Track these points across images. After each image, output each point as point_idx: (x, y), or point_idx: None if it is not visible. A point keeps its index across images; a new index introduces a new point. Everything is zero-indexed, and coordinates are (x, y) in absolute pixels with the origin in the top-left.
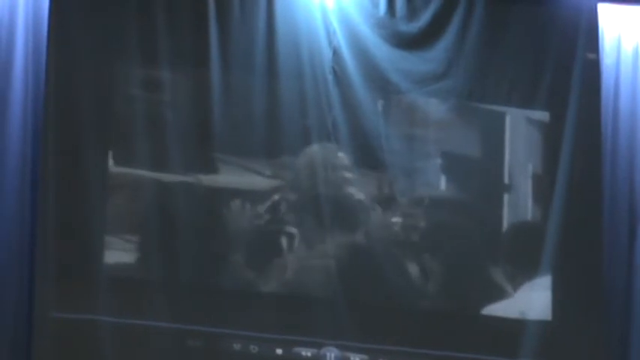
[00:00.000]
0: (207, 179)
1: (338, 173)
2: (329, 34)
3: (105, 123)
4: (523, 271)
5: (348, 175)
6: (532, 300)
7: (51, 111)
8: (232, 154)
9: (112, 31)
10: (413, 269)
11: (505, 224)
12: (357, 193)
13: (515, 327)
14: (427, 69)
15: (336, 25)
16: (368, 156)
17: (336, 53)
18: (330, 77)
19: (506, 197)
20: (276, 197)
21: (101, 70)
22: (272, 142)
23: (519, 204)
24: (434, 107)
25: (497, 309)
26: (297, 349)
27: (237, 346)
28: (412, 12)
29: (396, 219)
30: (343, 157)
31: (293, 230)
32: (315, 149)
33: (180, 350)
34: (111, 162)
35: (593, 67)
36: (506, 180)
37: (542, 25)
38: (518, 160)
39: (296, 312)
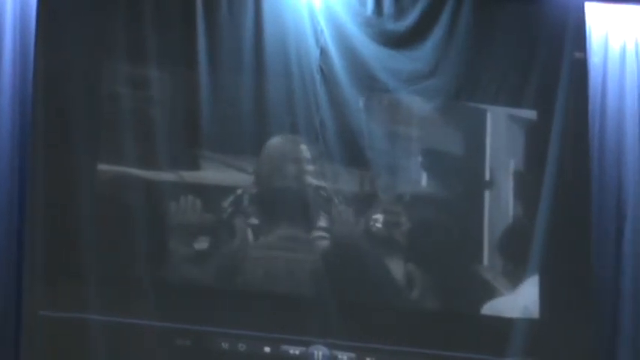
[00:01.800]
0: (194, 177)
1: (324, 170)
2: (316, 33)
3: (93, 121)
4: (511, 269)
5: (335, 172)
6: (520, 298)
7: (39, 109)
8: (220, 152)
9: (100, 29)
10: (399, 267)
11: (494, 223)
12: (345, 191)
13: (503, 325)
14: (415, 68)
15: (323, 24)
16: (356, 154)
17: (323, 52)
18: (317, 76)
19: (494, 196)
20: (262, 199)
21: (89, 69)
22: (260, 141)
23: (507, 203)
24: (421, 106)
25: (485, 307)
26: (285, 347)
27: (225, 345)
28: (400, 11)
29: (386, 217)
30: (333, 155)
31: (279, 229)
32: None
33: (168, 349)
34: (99, 160)
35: (581, 66)
36: (493, 178)
37: (529, 24)
38: (506, 158)
39: (284, 310)
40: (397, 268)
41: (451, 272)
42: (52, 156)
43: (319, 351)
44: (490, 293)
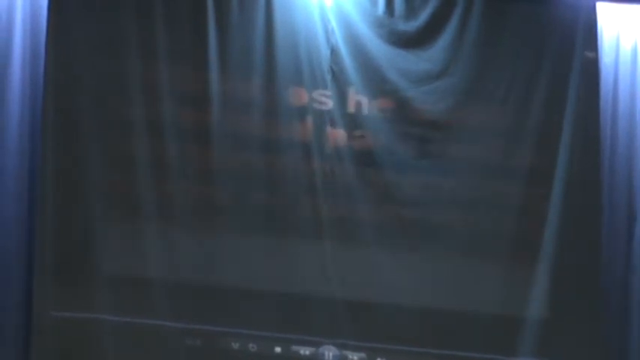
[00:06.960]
0: (204, 179)
1: (335, 171)
2: (327, 32)
3: (102, 121)
4: (521, 269)
5: (346, 173)
6: (530, 298)
7: (49, 110)
8: (230, 152)
9: (111, 30)
10: (409, 267)
11: (504, 223)
12: (356, 191)
13: (513, 325)
14: (425, 68)
15: (334, 23)
16: (366, 155)
17: (334, 52)
18: (328, 76)
19: (505, 196)
20: (272, 197)
21: (99, 70)
22: (269, 141)
23: (518, 203)
24: (432, 106)
25: (496, 307)
26: (295, 348)
27: (235, 345)
28: (410, 11)
29: (397, 217)
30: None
31: (290, 229)
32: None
33: (179, 349)
34: (109, 161)
35: (592, 66)
36: (505, 178)
37: (540, 24)
38: (517, 159)
39: (295, 310)
40: (407, 268)
41: (466, 273)
42: (62, 157)
43: (329, 351)
44: (500, 293)
